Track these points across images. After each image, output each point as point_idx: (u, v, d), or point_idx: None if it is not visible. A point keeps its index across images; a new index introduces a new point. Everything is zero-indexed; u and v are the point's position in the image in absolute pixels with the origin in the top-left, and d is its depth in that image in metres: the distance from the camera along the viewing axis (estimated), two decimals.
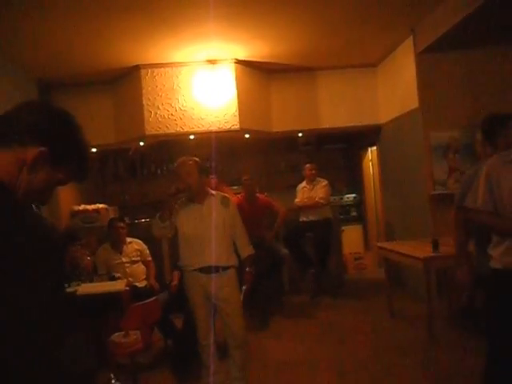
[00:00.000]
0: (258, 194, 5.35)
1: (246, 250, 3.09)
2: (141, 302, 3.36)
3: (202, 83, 5.21)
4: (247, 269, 3.12)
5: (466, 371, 3.11)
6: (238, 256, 3.07)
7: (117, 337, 3.07)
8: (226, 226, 2.93)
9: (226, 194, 3.17)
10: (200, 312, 2.94)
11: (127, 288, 3.59)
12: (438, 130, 4.69)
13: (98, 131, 5.57)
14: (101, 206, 5.79)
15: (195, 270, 2.90)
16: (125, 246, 4.32)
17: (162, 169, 7.31)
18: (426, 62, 4.69)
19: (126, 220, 5.44)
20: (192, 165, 2.92)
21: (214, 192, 3.05)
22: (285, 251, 5.29)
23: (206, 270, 2.87)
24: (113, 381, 1.20)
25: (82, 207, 5.70)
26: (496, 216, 2.06)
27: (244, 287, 3.15)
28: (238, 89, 5.27)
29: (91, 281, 3.71)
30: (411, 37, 4.79)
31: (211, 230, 2.87)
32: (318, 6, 3.98)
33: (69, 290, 3.14)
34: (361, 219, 7.48)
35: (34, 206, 1.23)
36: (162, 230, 2.95)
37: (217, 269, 2.88)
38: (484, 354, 2.16)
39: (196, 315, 2.97)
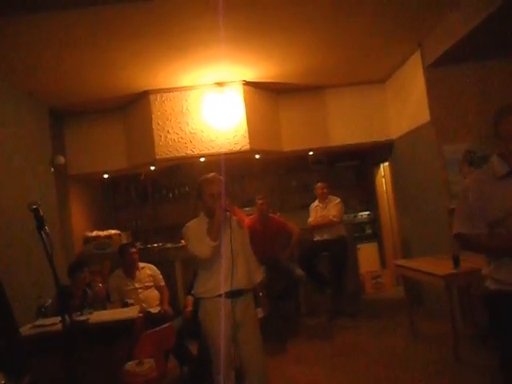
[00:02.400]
0: (271, 215, 5.28)
1: (259, 275, 2.96)
2: (155, 329, 3.29)
3: (211, 106, 5.24)
4: (261, 294, 2.99)
5: None
6: None
7: (131, 365, 2.98)
8: (244, 248, 2.83)
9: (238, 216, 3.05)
10: (223, 341, 2.71)
11: (140, 314, 3.52)
12: (451, 143, 4.60)
13: (110, 157, 5.65)
14: (113, 231, 5.78)
15: (219, 295, 2.70)
16: (137, 272, 4.27)
17: (174, 192, 7.32)
18: (435, 75, 4.64)
19: (139, 245, 5.41)
20: (223, 183, 2.79)
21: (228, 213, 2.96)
22: (300, 272, 5.17)
23: (232, 295, 2.70)
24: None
25: (94, 233, 5.70)
26: (498, 237, 1.99)
27: (259, 313, 3.02)
28: (246, 110, 5.28)
29: (104, 308, 3.65)
30: (419, 51, 4.76)
31: (238, 252, 2.73)
32: (323, 25, 3.99)
33: (81, 318, 3.08)
34: (376, 236, 7.33)
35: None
36: (212, 249, 2.64)
37: (242, 292, 2.74)
38: None
39: (217, 344, 2.74)
